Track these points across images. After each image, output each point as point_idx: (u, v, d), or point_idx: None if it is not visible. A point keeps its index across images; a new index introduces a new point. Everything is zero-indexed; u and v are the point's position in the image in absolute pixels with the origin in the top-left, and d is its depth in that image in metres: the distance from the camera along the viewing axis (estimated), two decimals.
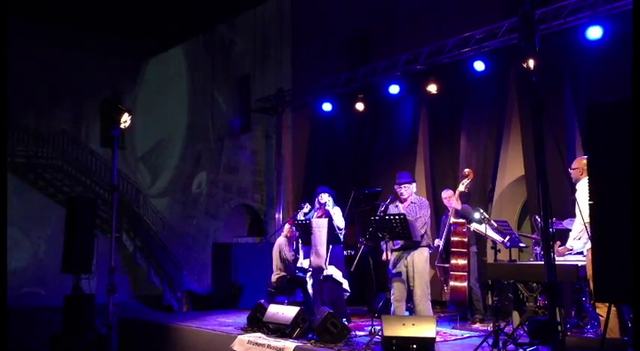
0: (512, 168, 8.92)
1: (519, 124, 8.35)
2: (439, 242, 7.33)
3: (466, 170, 7.39)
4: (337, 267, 6.84)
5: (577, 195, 5.31)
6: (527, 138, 8.12)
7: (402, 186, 6.39)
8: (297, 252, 7.72)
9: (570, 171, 5.56)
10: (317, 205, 7.22)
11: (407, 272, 6.18)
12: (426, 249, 6.29)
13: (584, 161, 5.47)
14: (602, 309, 5.01)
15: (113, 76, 17.87)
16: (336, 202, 7.28)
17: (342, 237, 7.06)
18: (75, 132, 17.42)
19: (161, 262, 16.41)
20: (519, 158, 8.22)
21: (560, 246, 6.27)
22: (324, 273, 6.73)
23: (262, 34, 14.53)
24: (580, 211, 4.98)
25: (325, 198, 7.13)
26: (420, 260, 6.17)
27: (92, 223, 8.14)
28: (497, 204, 8.76)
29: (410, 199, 6.38)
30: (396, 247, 6.17)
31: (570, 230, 6.17)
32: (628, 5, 6.67)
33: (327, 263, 6.70)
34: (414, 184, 6.52)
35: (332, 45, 12.18)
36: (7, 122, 15.50)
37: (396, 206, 6.41)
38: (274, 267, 7.85)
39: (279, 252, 7.82)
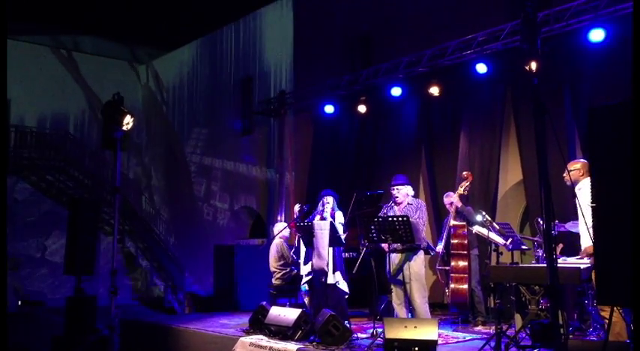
0: (514, 171, 8.91)
1: (514, 127, 8.37)
2: (440, 247, 7.32)
3: (464, 173, 7.40)
4: (337, 269, 6.82)
5: (579, 196, 5.29)
6: (523, 142, 8.14)
7: (395, 188, 6.35)
8: (297, 257, 7.71)
9: (565, 174, 5.56)
10: (320, 208, 7.21)
11: (404, 276, 6.18)
12: (422, 252, 6.28)
13: (580, 163, 5.48)
14: (606, 312, 4.99)
15: (116, 78, 17.92)
16: (340, 206, 7.26)
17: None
18: (78, 133, 17.48)
19: (163, 264, 16.43)
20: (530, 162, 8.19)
21: (561, 249, 6.26)
22: (330, 281, 6.71)
23: (265, 37, 14.54)
24: (582, 213, 4.96)
25: (329, 201, 7.11)
26: (416, 263, 6.17)
27: (95, 225, 8.15)
28: (500, 207, 8.75)
29: (406, 201, 6.36)
30: (393, 247, 6.14)
31: (573, 233, 6.17)
32: (630, 8, 6.66)
33: (329, 266, 6.69)
34: (409, 187, 6.47)
35: (334, 47, 12.19)
36: (9, 123, 15.59)
37: (391, 209, 6.39)
38: (271, 269, 7.87)
39: (278, 252, 7.81)
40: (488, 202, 8.27)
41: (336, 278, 6.74)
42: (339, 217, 7.10)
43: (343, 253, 7.21)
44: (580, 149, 7.43)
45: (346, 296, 7.04)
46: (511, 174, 9.02)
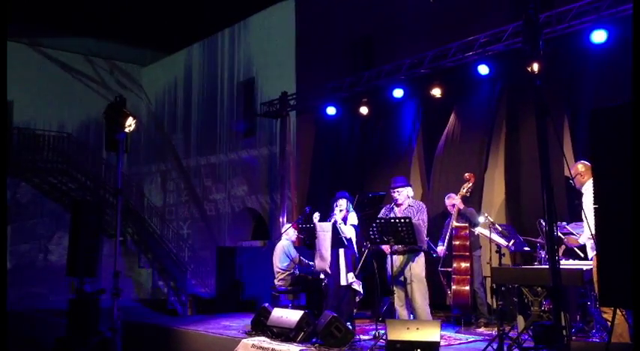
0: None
1: (505, 133, 8.40)
2: (442, 248, 7.31)
3: (467, 174, 7.39)
4: (349, 270, 6.78)
5: (584, 198, 5.29)
6: (510, 143, 8.21)
7: (396, 190, 6.36)
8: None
9: (572, 181, 5.56)
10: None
11: (405, 277, 6.18)
12: (423, 253, 6.28)
13: (580, 165, 5.48)
14: (608, 314, 4.98)
15: (118, 80, 17.97)
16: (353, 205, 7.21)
17: (353, 244, 6.97)
18: (80, 136, 17.51)
19: (165, 266, 16.42)
20: (527, 162, 8.19)
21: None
22: (343, 282, 6.69)
23: (267, 39, 14.56)
24: (586, 215, 4.95)
25: (341, 204, 7.08)
26: (417, 265, 6.18)
27: (97, 227, 8.15)
28: (503, 209, 8.73)
29: (407, 202, 6.36)
30: (394, 249, 6.14)
31: (574, 234, 6.16)
32: (632, 9, 6.65)
33: (340, 269, 6.66)
34: (409, 188, 6.49)
35: (336, 49, 12.20)
36: (11, 126, 15.62)
37: (392, 210, 6.39)
38: (275, 270, 7.86)
39: (285, 253, 7.80)
40: (476, 204, 8.23)
41: (349, 280, 6.71)
42: (352, 218, 7.04)
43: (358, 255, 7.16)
44: (572, 150, 7.42)
45: (359, 297, 7.00)
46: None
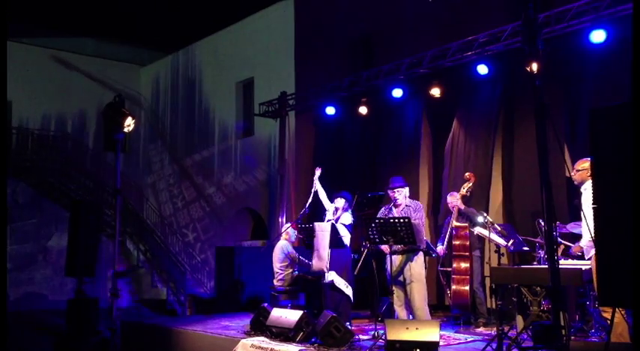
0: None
1: (505, 133, 8.40)
2: (441, 248, 7.31)
3: (467, 174, 7.40)
4: (340, 272, 6.76)
5: (583, 197, 5.28)
6: (508, 143, 8.21)
7: (396, 190, 6.38)
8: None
9: (574, 173, 5.52)
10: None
11: (404, 277, 6.18)
12: (422, 253, 6.29)
13: (589, 163, 5.43)
14: (608, 313, 4.98)
15: (118, 80, 17.96)
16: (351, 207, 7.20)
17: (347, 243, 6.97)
18: (79, 136, 17.50)
19: (165, 266, 16.42)
20: (524, 162, 8.18)
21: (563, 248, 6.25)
22: (325, 280, 6.68)
23: (266, 38, 14.55)
24: (584, 215, 4.95)
25: (337, 202, 7.08)
26: (417, 264, 6.18)
27: (96, 227, 8.16)
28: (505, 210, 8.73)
29: (404, 202, 6.38)
30: (393, 249, 6.14)
31: (574, 234, 6.17)
32: (631, 9, 6.64)
33: (327, 267, 6.67)
34: (407, 188, 6.52)
35: (335, 49, 12.18)
36: (10, 126, 15.61)
37: (390, 211, 6.40)
38: (274, 270, 7.87)
39: (283, 253, 7.80)
40: (482, 205, 8.22)
41: (330, 277, 6.68)
42: (344, 218, 7.03)
43: (353, 255, 7.13)
44: (567, 151, 7.42)
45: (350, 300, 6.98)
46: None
